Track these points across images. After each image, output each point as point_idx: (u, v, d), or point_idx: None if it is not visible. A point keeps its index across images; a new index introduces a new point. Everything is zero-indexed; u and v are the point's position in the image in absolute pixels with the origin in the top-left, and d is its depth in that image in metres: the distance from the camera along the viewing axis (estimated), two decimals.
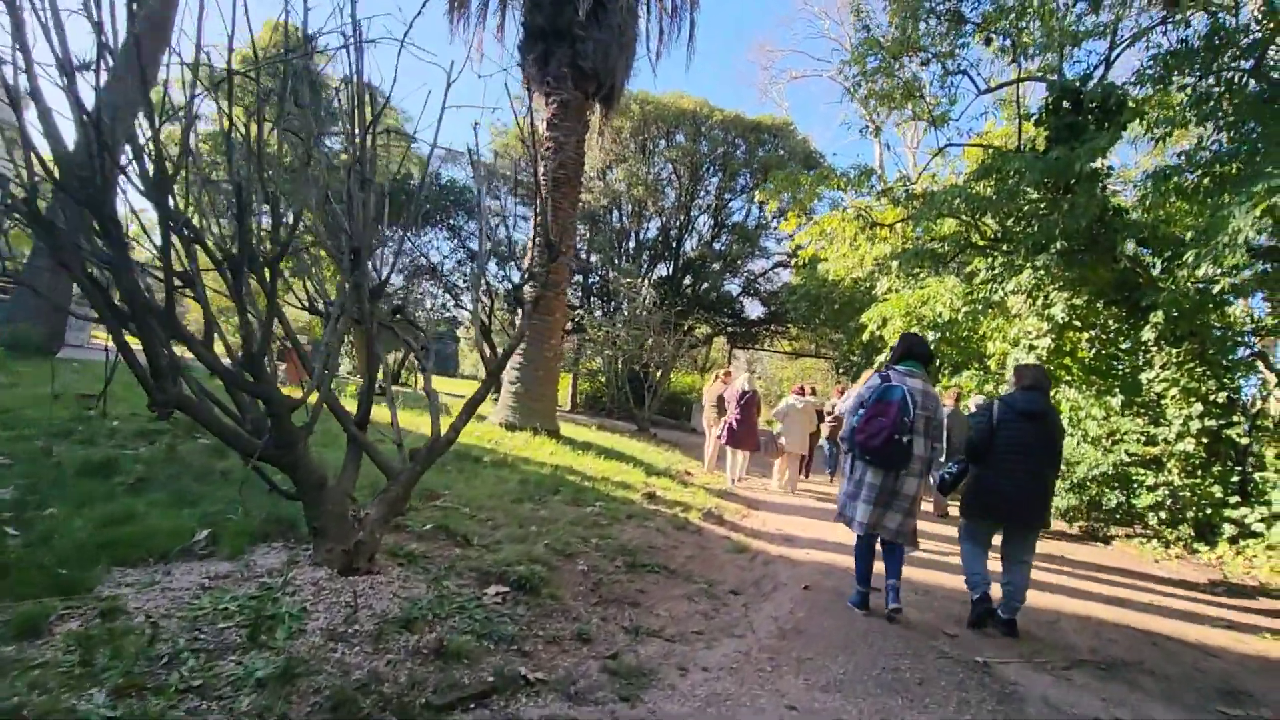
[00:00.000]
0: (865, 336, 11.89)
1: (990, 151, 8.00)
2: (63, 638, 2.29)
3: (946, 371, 11.54)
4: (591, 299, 24.47)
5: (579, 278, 24.56)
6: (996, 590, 4.24)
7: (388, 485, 3.37)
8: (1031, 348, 8.81)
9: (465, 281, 25.54)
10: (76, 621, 2.41)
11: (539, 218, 3.72)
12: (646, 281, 23.18)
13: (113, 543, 3.05)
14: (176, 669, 2.22)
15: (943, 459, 4.50)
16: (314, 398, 3.12)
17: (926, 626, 4.13)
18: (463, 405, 3.70)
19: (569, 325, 22.78)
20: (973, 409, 4.84)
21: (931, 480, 4.37)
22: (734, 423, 9.00)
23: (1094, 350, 8.74)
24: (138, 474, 4.08)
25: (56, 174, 2.44)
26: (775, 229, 23.40)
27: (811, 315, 16.65)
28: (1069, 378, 8.96)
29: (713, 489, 8.72)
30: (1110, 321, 8.45)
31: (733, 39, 64.61)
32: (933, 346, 10.69)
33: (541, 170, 9.84)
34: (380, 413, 5.51)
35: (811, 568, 5.32)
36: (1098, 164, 7.26)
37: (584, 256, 23.80)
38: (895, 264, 8.76)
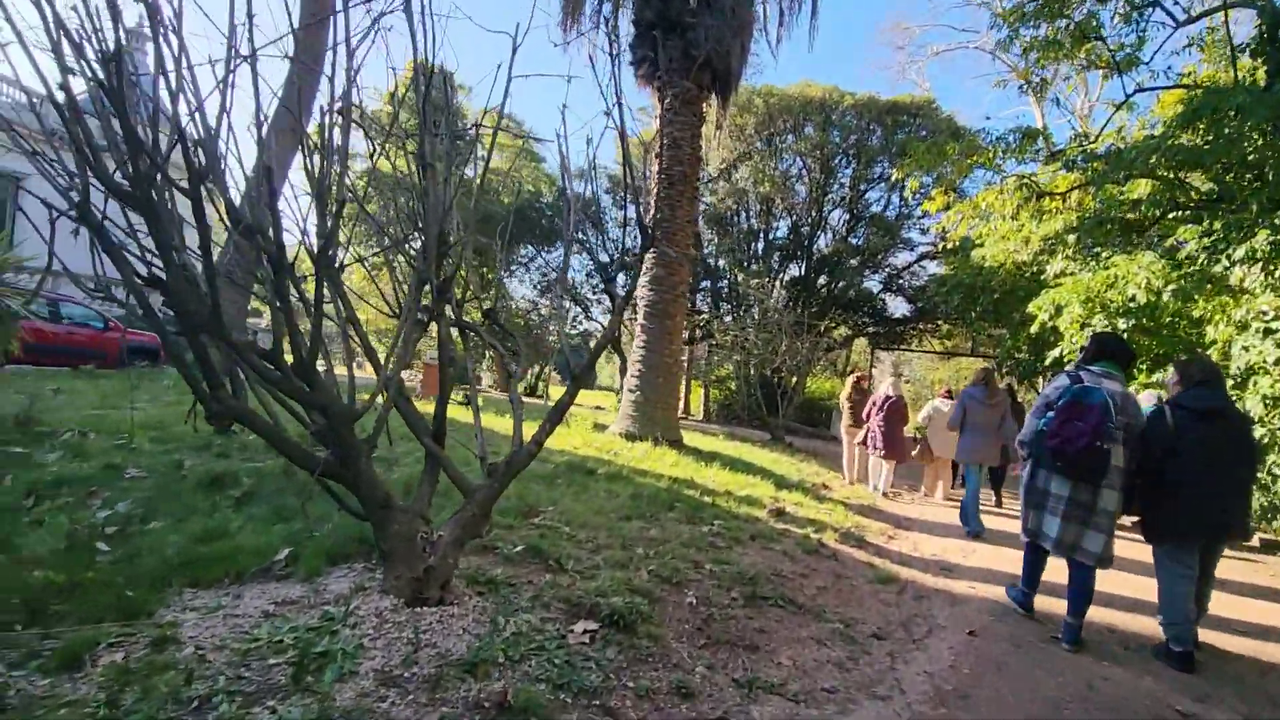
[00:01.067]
0: (1034, 329, 10.25)
1: (1199, 92, 6.40)
2: (102, 671, 2.11)
3: (1144, 367, 9.67)
4: (721, 304, 23.83)
5: (707, 283, 24.06)
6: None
7: (463, 504, 3.03)
8: (1268, 331, 7.01)
9: (595, 293, 25.97)
10: (123, 652, 2.24)
11: (635, 204, 3.18)
12: (778, 282, 22.16)
13: (195, 561, 2.96)
14: (206, 715, 1.96)
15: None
16: (378, 407, 2.83)
17: (1139, 686, 3.12)
18: (547, 414, 3.29)
19: (698, 332, 22.35)
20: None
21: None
22: (878, 430, 8.43)
23: None
24: (245, 488, 4.10)
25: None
26: (919, 217, 21.47)
27: (965, 309, 14.80)
28: None
29: (853, 504, 7.78)
30: None
31: (863, 22, 61.35)
32: (1126, 337, 9.02)
33: (655, 168, 9.46)
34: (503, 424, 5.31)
35: (978, 606, 4.37)
36: None
37: (712, 261, 23.26)
38: (1073, 238, 7.32)
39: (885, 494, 8.61)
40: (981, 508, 7.09)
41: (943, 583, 4.87)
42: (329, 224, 2.53)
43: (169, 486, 4.10)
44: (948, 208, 9.20)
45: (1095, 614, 4.10)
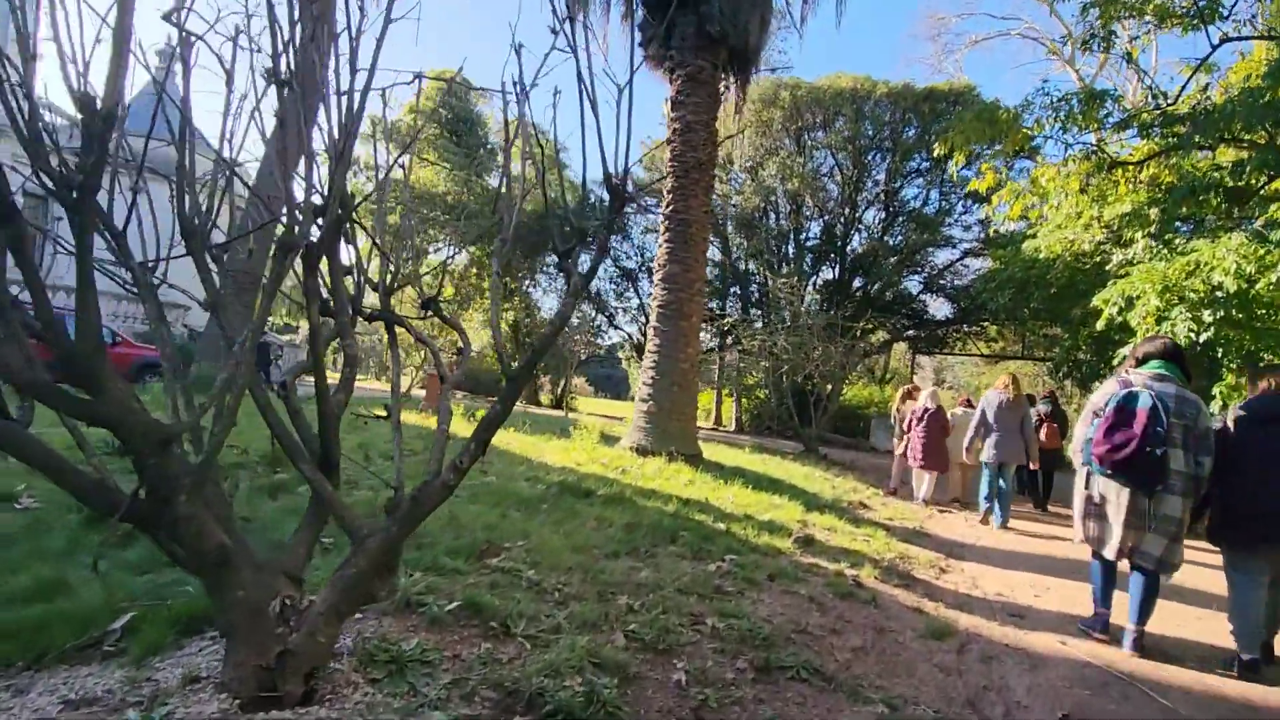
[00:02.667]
0: (1100, 325, 9.08)
1: None
2: None
3: (1233, 365, 8.46)
4: (751, 309, 22.84)
5: (736, 288, 23.09)
6: None
7: (347, 558, 2.19)
8: None
9: (620, 300, 25.18)
10: None
11: (602, 156, 2.27)
12: (810, 286, 21.08)
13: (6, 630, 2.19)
14: None
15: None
16: (207, 425, 2.03)
17: None
18: (475, 429, 2.46)
19: (727, 339, 21.34)
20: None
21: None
22: (919, 442, 8.43)
23: None
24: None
25: None
26: (961, 213, 20.19)
27: (1016, 307, 13.59)
28: None
29: (896, 528, 6.76)
30: None
31: (895, 16, 59.84)
32: (1212, 332, 7.83)
33: (668, 155, 8.63)
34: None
35: (1065, 671, 3.36)
36: None
37: (741, 265, 22.30)
38: (1155, 213, 6.21)
39: (926, 502, 8.55)
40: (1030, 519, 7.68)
41: (1014, 635, 3.86)
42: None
43: (55, 520, 3.39)
44: (999, 186, 8.14)
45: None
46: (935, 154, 7.02)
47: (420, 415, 9.41)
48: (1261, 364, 4.15)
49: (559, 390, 25.15)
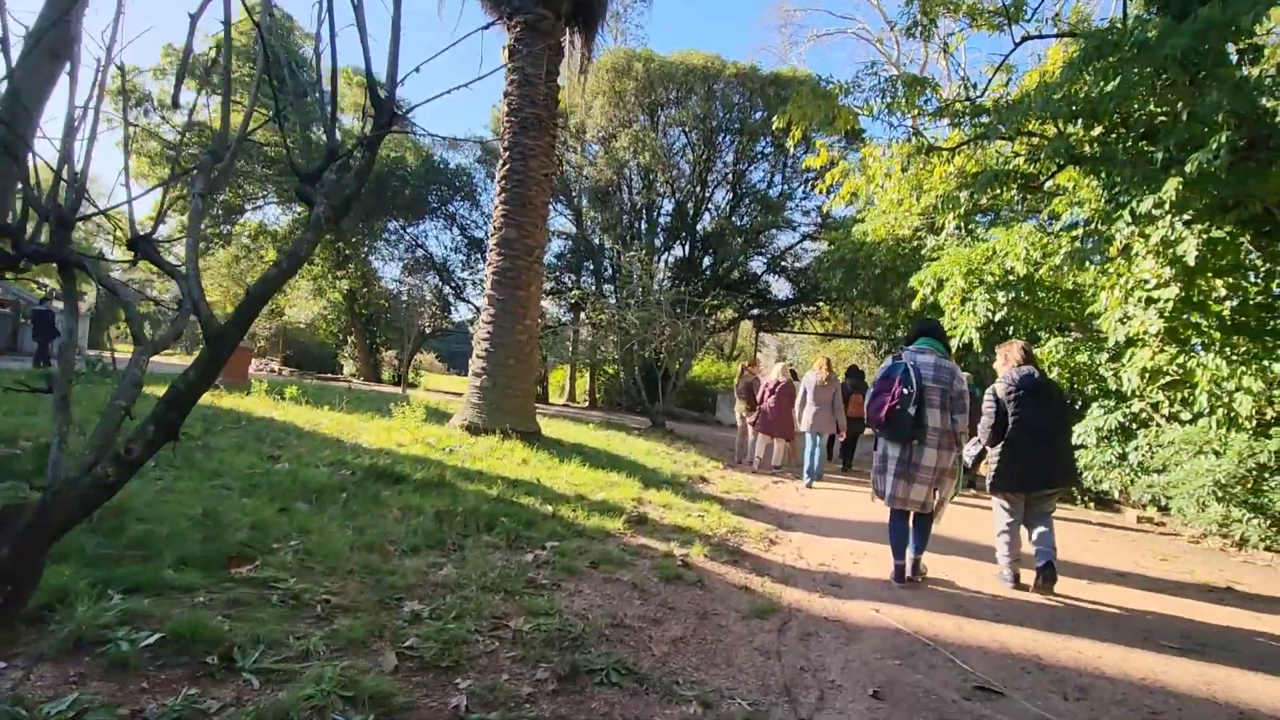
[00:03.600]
0: (916, 304, 9.77)
1: (1105, 30, 5.84)
2: None
3: (1022, 338, 9.44)
4: (604, 285, 22.62)
5: (589, 263, 22.71)
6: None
7: None
8: (1150, 301, 6.64)
9: (468, 271, 23.87)
10: None
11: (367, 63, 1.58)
12: (661, 262, 21.20)
13: None
14: None
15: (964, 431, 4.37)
16: None
17: None
18: (156, 406, 1.82)
19: (583, 315, 20.92)
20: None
21: (965, 456, 4.48)
22: (768, 410, 9.39)
23: (1238, 301, 6.53)
24: None
25: None
26: (801, 198, 21.22)
27: (846, 287, 14.48)
28: (1202, 338, 6.76)
29: (732, 500, 6.76)
30: (1262, 261, 6.23)
31: (749, 3, 61.88)
32: (1005, 311, 8.60)
33: (504, 109, 7.95)
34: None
35: (879, 642, 3.33)
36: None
37: (595, 240, 21.93)
38: (965, 196, 6.64)
39: (777, 467, 9.67)
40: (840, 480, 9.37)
41: (833, 605, 3.83)
42: None
43: None
44: (832, 165, 8.39)
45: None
46: (775, 126, 6.98)
47: (215, 394, 8.06)
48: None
49: (402, 366, 23.44)
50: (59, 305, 24.94)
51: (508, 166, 7.80)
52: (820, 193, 13.24)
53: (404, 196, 20.83)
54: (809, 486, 8.40)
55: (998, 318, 8.54)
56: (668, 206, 22.46)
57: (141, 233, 2.40)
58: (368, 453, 5.91)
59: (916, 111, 7.10)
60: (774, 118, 6.98)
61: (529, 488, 5.38)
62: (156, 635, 2.10)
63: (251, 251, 22.63)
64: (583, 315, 20.44)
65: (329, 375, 23.20)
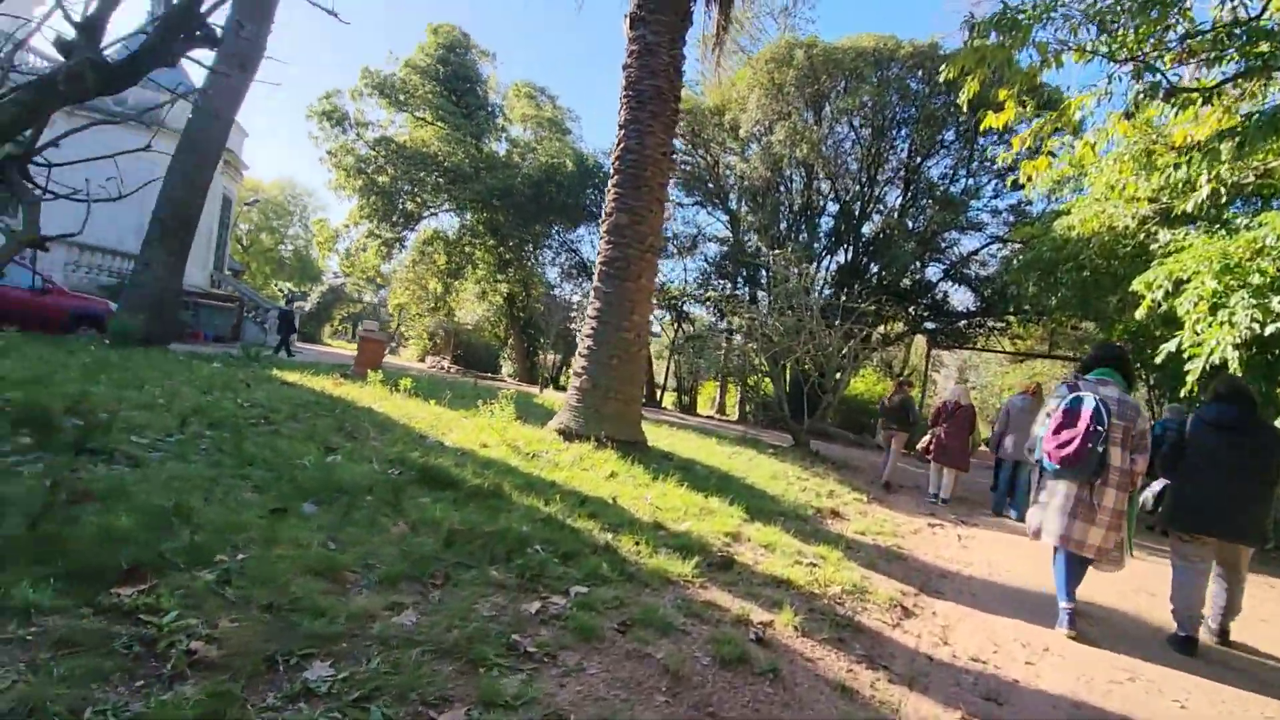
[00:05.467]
0: (1141, 314, 7.54)
1: None
2: None
3: None
4: (759, 291, 21.35)
5: (744, 271, 21.53)
6: None
7: None
8: None
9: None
10: None
11: None
12: (821, 268, 19.49)
13: None
14: None
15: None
16: None
17: None
18: None
19: (735, 320, 19.80)
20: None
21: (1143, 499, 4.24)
22: (942, 435, 8.60)
23: None
24: None
25: None
26: (992, 196, 18.37)
27: (1043, 295, 11.96)
28: None
29: (864, 545, 5.38)
30: None
31: None
32: None
33: (622, 82, 7.20)
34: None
35: None
36: None
37: (748, 242, 20.72)
38: (1226, 148, 4.61)
39: (945, 500, 8.61)
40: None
41: None
42: None
43: None
44: (1024, 124, 6.60)
45: None
46: (942, 78, 5.47)
47: (333, 382, 8.18)
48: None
49: (556, 371, 23.90)
50: (300, 305, 28.77)
51: (622, 145, 7.05)
52: (1015, 181, 11.04)
53: (560, 201, 21.16)
54: (1009, 517, 8.01)
55: (1270, 331, 6.19)
56: (831, 209, 20.68)
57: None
58: (441, 451, 5.40)
59: (1156, 46, 5.20)
60: (943, 67, 5.48)
61: (598, 507, 4.49)
62: None
63: (425, 255, 24.36)
64: (731, 322, 19.33)
65: (489, 375, 24.28)
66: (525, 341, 24.94)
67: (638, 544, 3.86)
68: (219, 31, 1.69)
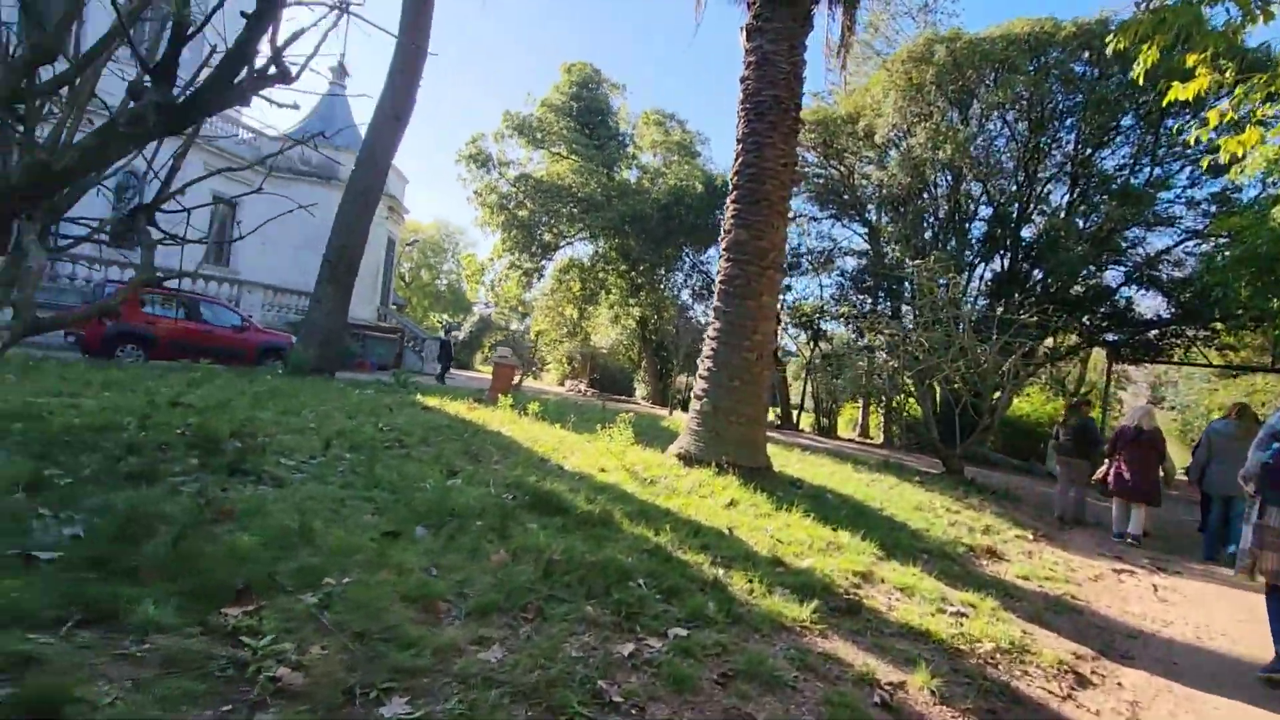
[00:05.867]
0: None
1: None
2: None
3: None
4: (903, 306, 19.99)
5: (885, 285, 20.26)
6: None
7: None
8: None
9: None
10: None
11: None
12: (975, 279, 17.86)
13: None
14: None
15: None
16: None
17: None
18: None
19: (873, 338, 18.63)
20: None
21: None
22: (1124, 465, 7.59)
23: None
24: None
25: None
26: (1187, 185, 15.84)
27: (1259, 297, 10.02)
28: None
29: (1031, 592, 4.65)
30: None
31: None
32: None
33: (739, 95, 7.00)
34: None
35: None
36: None
37: (887, 252, 19.50)
38: None
39: (1136, 540, 7.45)
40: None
41: None
42: None
43: None
44: (1221, 96, 5.50)
45: None
46: (1109, 49, 4.69)
47: (468, 407, 8.60)
48: None
49: (689, 389, 23.81)
50: (455, 335, 31.32)
51: (740, 160, 6.82)
52: (1203, 158, 9.43)
53: (689, 223, 21.22)
54: (1224, 565, 6.67)
55: None
56: (984, 213, 18.91)
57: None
58: (559, 476, 5.41)
59: None
60: (1109, 38, 4.75)
61: (711, 539, 4.23)
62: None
63: (562, 283, 25.42)
64: (872, 340, 18.18)
65: (622, 397, 24.72)
66: (657, 364, 25.15)
67: (751, 581, 3.56)
68: (293, 69, 1.71)
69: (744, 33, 7.01)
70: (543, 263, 24.56)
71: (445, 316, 50.27)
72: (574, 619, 2.74)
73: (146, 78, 1.45)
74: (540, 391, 20.72)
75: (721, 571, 3.66)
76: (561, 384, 31.69)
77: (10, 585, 2.06)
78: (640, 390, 26.68)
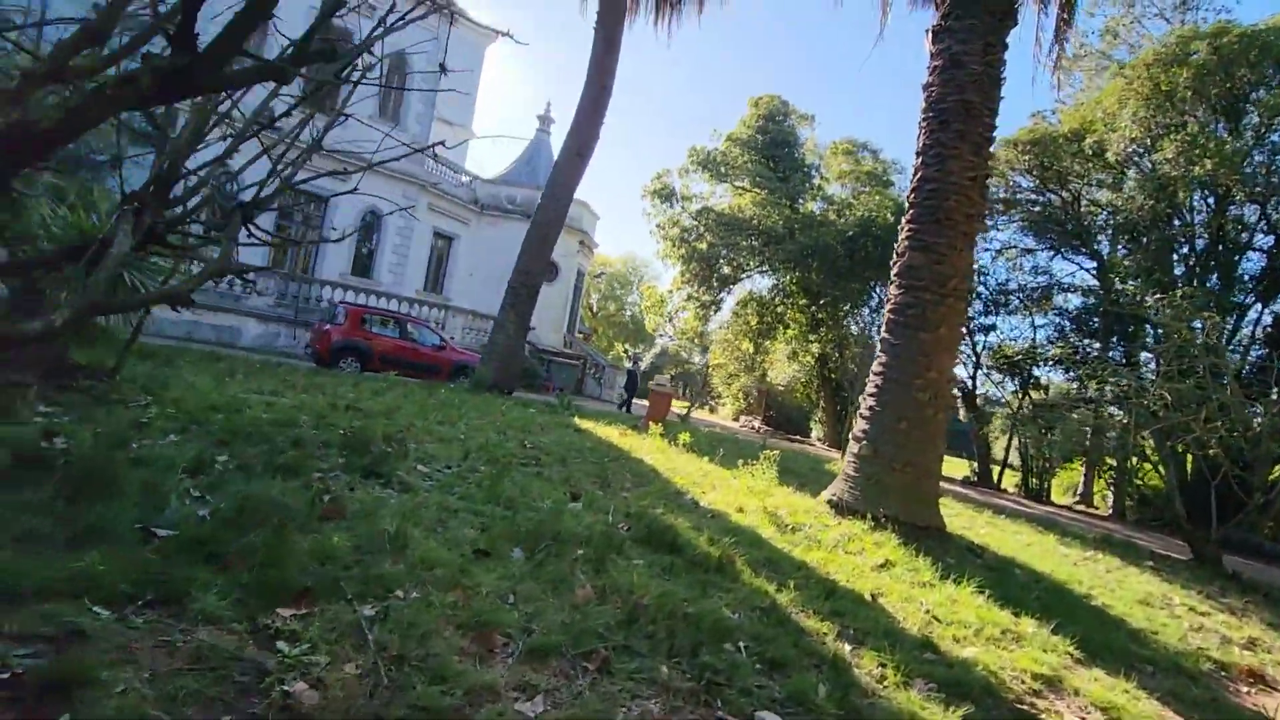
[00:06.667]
0: None
1: None
2: None
3: None
4: (1142, 353, 16.84)
5: (1118, 329, 17.17)
6: None
7: None
8: None
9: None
10: None
11: None
12: (1247, 327, 14.44)
13: None
14: None
15: None
16: None
17: None
18: None
19: (1100, 388, 15.76)
20: None
21: None
22: None
23: None
24: None
25: None
26: None
27: None
28: None
29: None
30: None
31: None
32: None
33: (922, 105, 6.24)
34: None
35: None
36: None
37: (1119, 289, 16.52)
38: None
39: None
40: None
41: None
42: None
43: None
44: None
45: None
46: None
47: (619, 432, 8.53)
48: None
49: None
50: (640, 366, 32.57)
51: (919, 175, 6.03)
52: None
53: (876, 256, 19.82)
54: None
55: None
56: (1262, 242, 15.30)
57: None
58: (690, 510, 5.03)
59: None
60: None
61: (847, 605, 3.58)
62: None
63: (739, 317, 25.04)
64: (1098, 390, 15.38)
65: (797, 437, 23.55)
66: (836, 404, 23.64)
67: (884, 666, 2.90)
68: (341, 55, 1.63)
69: (929, 35, 6.27)
70: (721, 295, 24.45)
71: (629, 347, 52.25)
72: (643, 678, 2.35)
73: (171, 50, 1.47)
74: (709, 424, 20.42)
75: (848, 647, 3.03)
76: (736, 419, 31.10)
77: (106, 556, 2.19)
78: (816, 431, 25.25)
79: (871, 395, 5.97)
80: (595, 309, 47.40)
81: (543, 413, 9.39)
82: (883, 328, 6.19)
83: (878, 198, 22.00)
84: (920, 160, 6.09)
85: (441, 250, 23.44)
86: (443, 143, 4.33)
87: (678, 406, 24.28)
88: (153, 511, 2.77)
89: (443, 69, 4.88)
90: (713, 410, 38.31)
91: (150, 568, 2.23)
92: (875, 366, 6.09)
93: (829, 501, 5.88)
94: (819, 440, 23.83)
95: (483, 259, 22.65)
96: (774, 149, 23.79)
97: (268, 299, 16.13)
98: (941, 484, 6.60)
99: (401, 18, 1.79)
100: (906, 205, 6.28)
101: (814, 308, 22.63)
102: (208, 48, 1.31)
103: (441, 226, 22.95)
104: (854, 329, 24.12)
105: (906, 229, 6.11)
